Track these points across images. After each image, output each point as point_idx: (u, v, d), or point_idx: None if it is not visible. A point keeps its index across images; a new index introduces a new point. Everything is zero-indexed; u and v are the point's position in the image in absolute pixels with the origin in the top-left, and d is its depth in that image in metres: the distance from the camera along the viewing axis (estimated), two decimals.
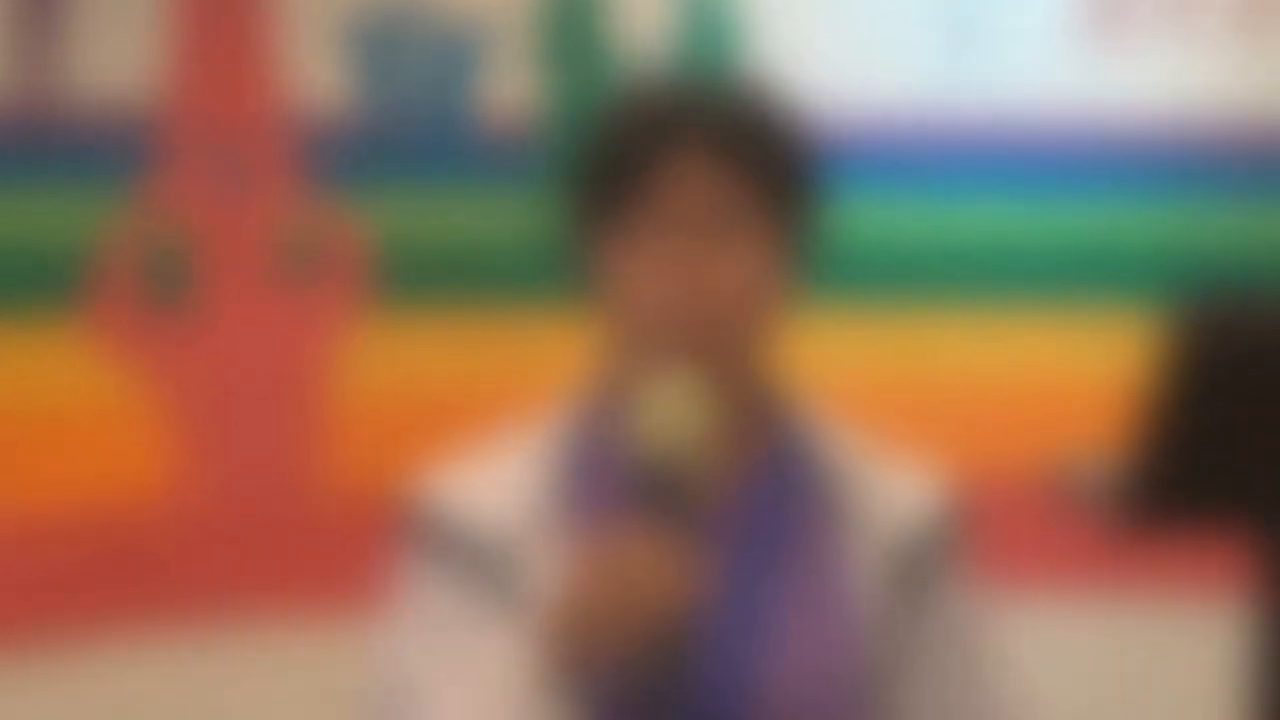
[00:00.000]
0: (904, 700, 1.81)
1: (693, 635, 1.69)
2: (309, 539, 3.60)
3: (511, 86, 3.71)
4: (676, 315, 1.78)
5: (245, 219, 3.61)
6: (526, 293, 3.62)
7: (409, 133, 3.67)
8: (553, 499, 1.82)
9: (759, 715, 1.77)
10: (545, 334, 3.49)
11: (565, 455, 1.85)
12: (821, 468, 1.84)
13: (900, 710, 1.81)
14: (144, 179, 3.55)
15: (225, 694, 3.53)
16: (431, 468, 1.88)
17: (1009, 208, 3.89)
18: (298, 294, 3.64)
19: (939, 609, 1.82)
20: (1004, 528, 3.55)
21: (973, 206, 3.88)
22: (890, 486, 1.84)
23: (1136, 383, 2.60)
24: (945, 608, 1.83)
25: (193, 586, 3.55)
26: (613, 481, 1.79)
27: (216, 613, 3.56)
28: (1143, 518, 2.59)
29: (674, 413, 1.72)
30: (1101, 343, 3.82)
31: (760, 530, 1.82)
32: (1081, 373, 3.81)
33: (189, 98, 3.57)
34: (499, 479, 1.84)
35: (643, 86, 1.90)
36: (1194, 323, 2.59)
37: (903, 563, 1.82)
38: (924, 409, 3.62)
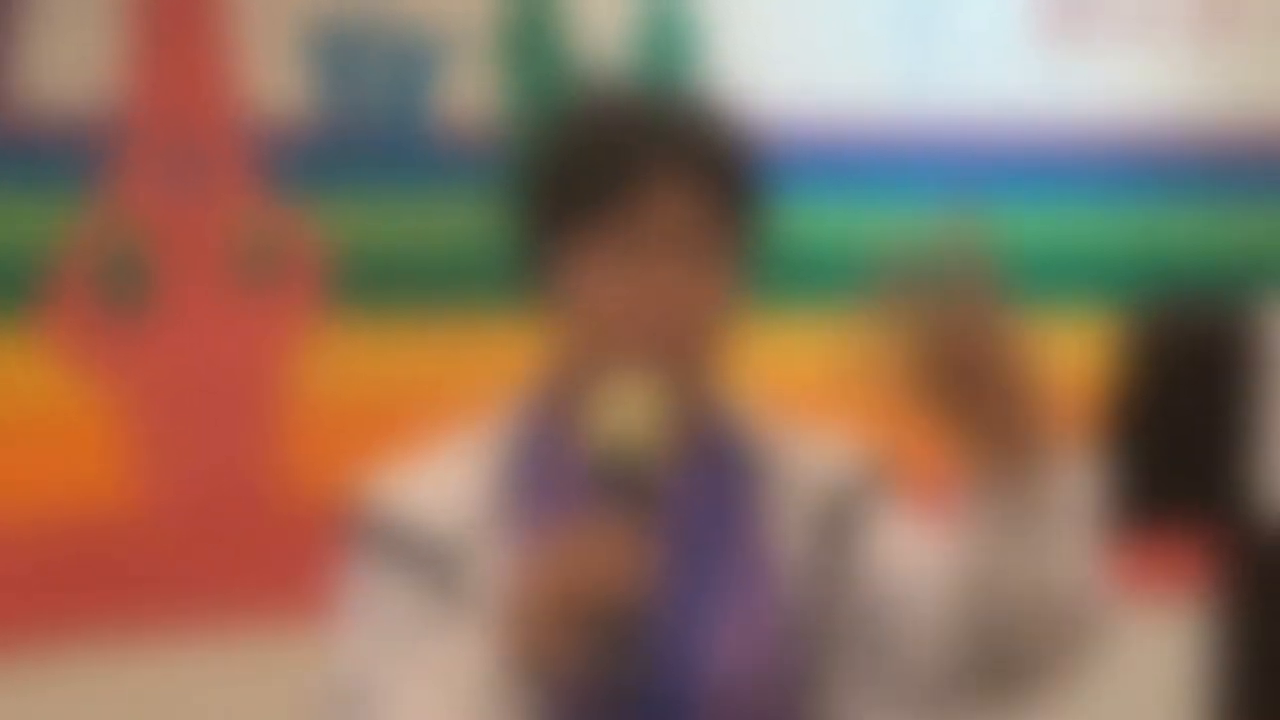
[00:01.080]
0: (834, 654, 1.84)
1: (646, 625, 1.71)
2: (266, 543, 3.59)
3: (470, 92, 3.71)
4: (640, 326, 1.80)
5: (203, 223, 3.60)
6: (483, 298, 3.62)
7: (367, 137, 3.67)
8: (500, 498, 1.85)
9: (704, 695, 1.79)
10: (502, 339, 3.48)
11: (513, 455, 1.87)
12: (754, 455, 1.88)
13: (831, 665, 1.84)
14: (101, 183, 3.54)
15: (184, 698, 3.52)
16: (383, 470, 1.89)
17: (964, 212, 3.89)
18: (255, 299, 3.62)
19: (863, 557, 1.85)
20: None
21: (930, 210, 3.88)
22: (811, 453, 1.88)
23: (1097, 385, 2.60)
24: (868, 556, 1.85)
25: (150, 591, 3.54)
26: (561, 480, 1.81)
27: (174, 617, 3.54)
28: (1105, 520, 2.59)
29: (632, 413, 1.75)
30: (1061, 346, 3.83)
31: (698, 521, 1.85)
32: (1042, 375, 3.81)
33: (147, 102, 3.56)
34: (447, 480, 1.86)
35: (606, 96, 1.92)
36: (1153, 326, 2.59)
37: (826, 520, 1.85)
38: (881, 412, 3.62)
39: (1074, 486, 1.78)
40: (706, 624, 1.81)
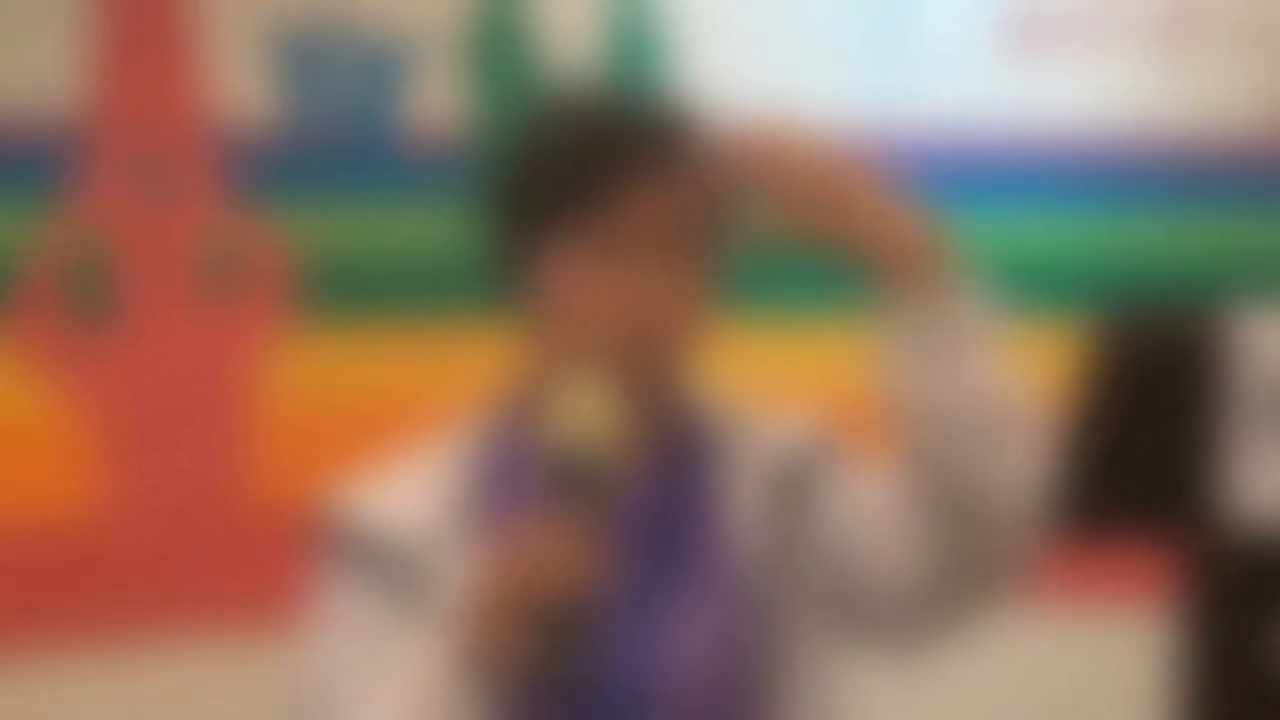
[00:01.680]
0: (800, 608, 1.86)
1: (600, 624, 1.73)
2: (234, 551, 3.58)
3: (438, 99, 3.71)
4: (615, 329, 1.81)
5: (169, 231, 3.59)
6: (452, 306, 3.62)
7: (334, 144, 3.66)
8: (468, 506, 1.85)
9: (663, 694, 1.80)
10: (470, 347, 3.48)
11: (481, 463, 1.88)
12: (709, 441, 1.90)
13: (799, 620, 1.85)
14: (66, 190, 3.53)
15: (152, 706, 3.51)
16: (350, 479, 1.89)
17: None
18: (222, 306, 3.62)
19: (823, 517, 1.87)
20: None
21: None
22: (761, 430, 1.91)
23: (1062, 394, 2.61)
24: (828, 515, 1.87)
25: (117, 599, 3.53)
26: (526, 486, 1.82)
27: (143, 627, 3.53)
28: (1066, 527, 2.61)
29: (589, 415, 1.76)
30: (1025, 354, 3.84)
31: (658, 520, 1.86)
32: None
33: (112, 109, 3.55)
34: (415, 488, 1.87)
35: (580, 100, 1.92)
36: (1113, 334, 2.61)
37: (780, 492, 1.87)
38: (846, 420, 3.63)
39: (978, 304, 1.81)
40: (665, 624, 1.82)
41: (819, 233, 1.82)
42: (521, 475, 1.85)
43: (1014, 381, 1.82)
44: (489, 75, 3.72)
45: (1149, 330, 2.63)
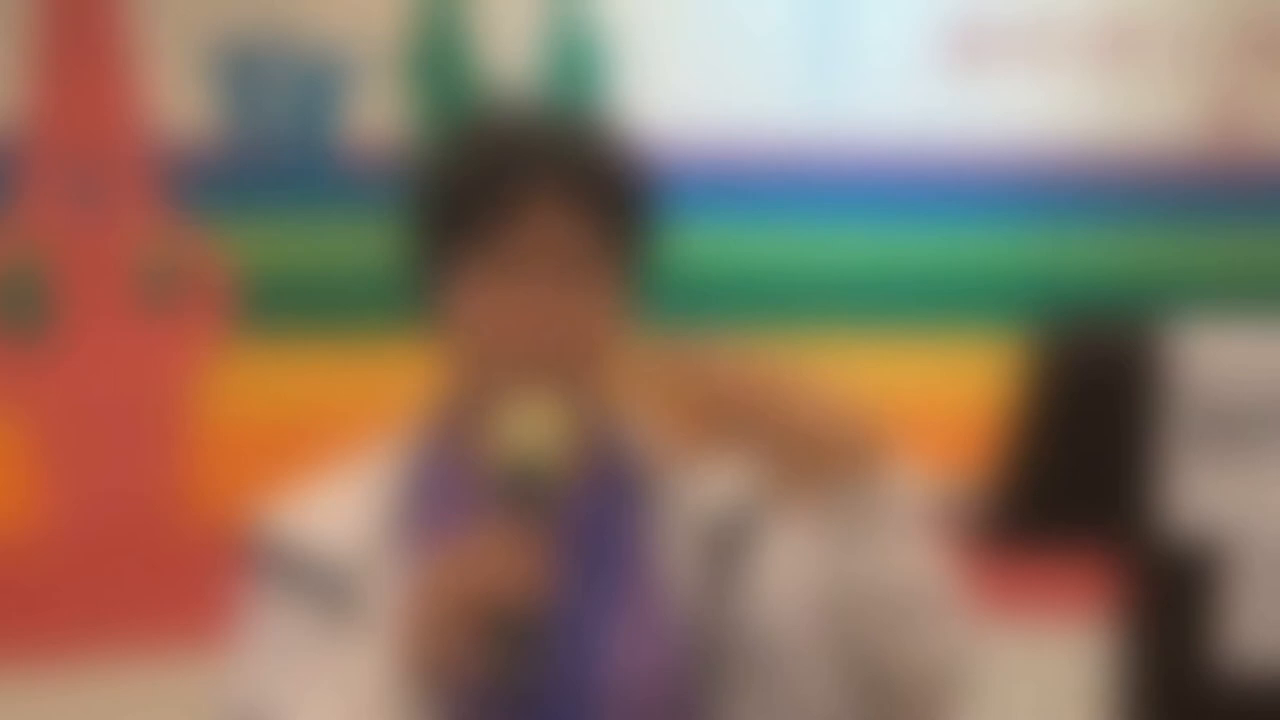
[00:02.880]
0: (726, 674, 1.85)
1: (542, 635, 1.74)
2: (171, 567, 3.57)
3: (377, 114, 3.70)
4: (519, 345, 1.81)
5: (105, 246, 3.57)
6: (389, 321, 3.61)
7: (273, 159, 3.66)
8: (397, 519, 1.86)
9: (596, 703, 1.81)
10: (407, 362, 3.47)
11: (410, 476, 1.88)
12: (641, 472, 1.90)
13: (723, 684, 1.85)
14: (2, 204, 3.51)
15: None
16: (282, 494, 1.89)
17: (869, 235, 3.92)
18: (159, 322, 3.61)
19: (749, 583, 1.86)
20: None
21: (831, 233, 3.91)
22: (698, 480, 1.90)
23: (996, 406, 2.62)
24: (755, 582, 1.86)
25: (55, 617, 3.51)
26: (457, 501, 1.82)
27: (79, 643, 3.52)
28: (1004, 539, 2.62)
29: (534, 426, 1.77)
30: (961, 368, 3.85)
31: (592, 534, 1.86)
32: (940, 397, 3.84)
33: (49, 122, 3.54)
34: (344, 504, 1.87)
35: (492, 118, 1.91)
36: (1051, 347, 2.62)
37: (712, 541, 1.87)
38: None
39: (907, 496, 1.80)
40: (597, 634, 1.83)
41: (755, 446, 1.78)
42: (452, 489, 1.86)
43: (934, 564, 1.80)
44: (428, 90, 3.72)
45: (1087, 344, 2.64)
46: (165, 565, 3.57)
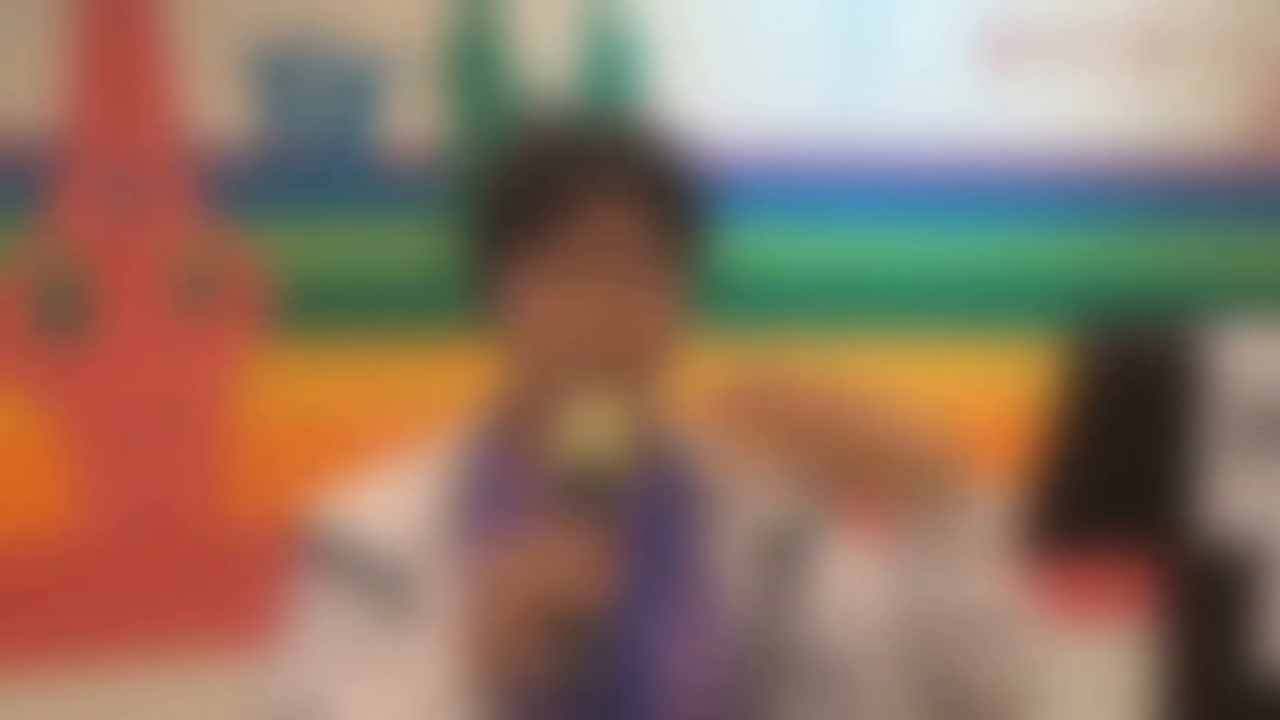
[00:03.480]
0: (783, 681, 1.86)
1: (604, 634, 1.75)
2: (209, 568, 3.57)
3: (413, 116, 3.71)
4: (586, 349, 1.82)
5: (143, 248, 3.58)
6: (426, 322, 3.62)
7: (309, 161, 3.66)
8: (453, 517, 1.86)
9: (652, 706, 1.82)
10: (443, 363, 3.48)
11: (466, 474, 1.89)
12: (700, 476, 1.91)
13: (779, 690, 1.86)
14: (42, 208, 3.52)
15: None
16: (332, 491, 1.89)
17: (904, 237, 3.92)
18: (196, 324, 3.61)
19: (806, 589, 1.88)
20: None
21: (867, 235, 3.90)
22: (754, 486, 1.91)
23: (1034, 410, 2.62)
24: (811, 587, 1.88)
25: (91, 618, 3.52)
26: (514, 499, 1.83)
27: (116, 644, 3.52)
28: (1044, 542, 2.61)
29: (598, 427, 1.78)
30: (1000, 370, 3.85)
31: (650, 539, 1.87)
32: (979, 400, 3.83)
33: (88, 125, 3.55)
34: (397, 501, 1.88)
35: (550, 120, 1.93)
36: (1090, 350, 2.61)
37: (771, 549, 1.88)
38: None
39: (985, 517, 1.81)
40: (654, 637, 1.83)
41: (826, 462, 1.79)
42: (510, 488, 1.86)
43: (1008, 584, 1.81)
44: (464, 92, 3.72)
45: (1126, 346, 2.63)
46: (201, 567, 3.58)
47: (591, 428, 1.77)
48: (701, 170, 1.89)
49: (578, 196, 1.82)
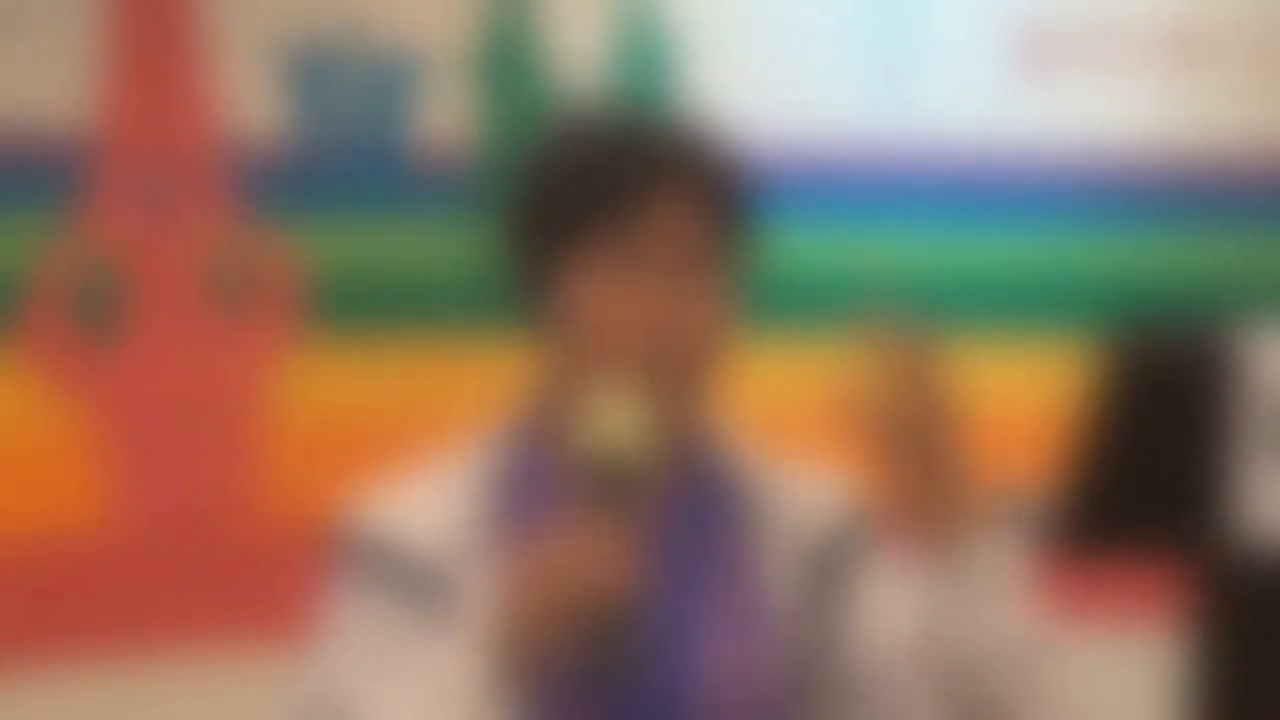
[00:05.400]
0: (822, 692, 1.85)
1: (635, 631, 1.74)
2: (243, 567, 3.58)
3: (446, 114, 3.71)
4: (639, 341, 1.82)
5: (177, 246, 3.59)
6: (459, 321, 3.62)
7: (343, 159, 3.67)
8: (489, 516, 1.86)
9: (688, 708, 1.81)
10: (477, 362, 3.48)
11: (503, 473, 1.89)
12: (742, 479, 1.90)
13: (818, 701, 1.85)
14: (76, 206, 3.53)
15: None
16: (364, 492, 1.89)
17: (936, 238, 3.91)
18: (230, 322, 3.62)
19: (849, 602, 1.87)
20: None
21: (899, 236, 3.90)
22: (801, 492, 1.91)
23: (1068, 412, 2.61)
24: (854, 601, 1.87)
25: (127, 616, 3.53)
26: (551, 497, 1.83)
27: (153, 641, 3.53)
28: (1073, 545, 2.61)
29: (620, 419, 1.78)
30: (1029, 371, 3.84)
31: (687, 537, 1.87)
32: (1008, 401, 3.82)
33: (122, 124, 3.56)
34: (433, 500, 1.87)
35: (600, 115, 1.94)
36: (1123, 351, 2.61)
37: (814, 559, 1.87)
38: (849, 438, 3.63)
39: (1013, 547, 1.81)
40: (692, 637, 1.82)
41: (881, 460, 1.78)
42: (546, 485, 1.86)
43: (1039, 620, 1.81)
44: (498, 90, 3.72)
45: (1158, 348, 2.63)
46: (232, 565, 3.59)
47: (617, 422, 1.77)
48: (748, 169, 1.90)
49: (638, 191, 1.82)
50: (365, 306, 3.66)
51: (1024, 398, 3.79)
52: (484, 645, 1.76)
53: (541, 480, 1.86)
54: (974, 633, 1.77)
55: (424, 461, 1.92)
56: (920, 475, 1.78)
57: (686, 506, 1.87)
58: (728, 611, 1.84)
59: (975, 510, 1.77)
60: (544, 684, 1.75)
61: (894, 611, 1.83)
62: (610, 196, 1.83)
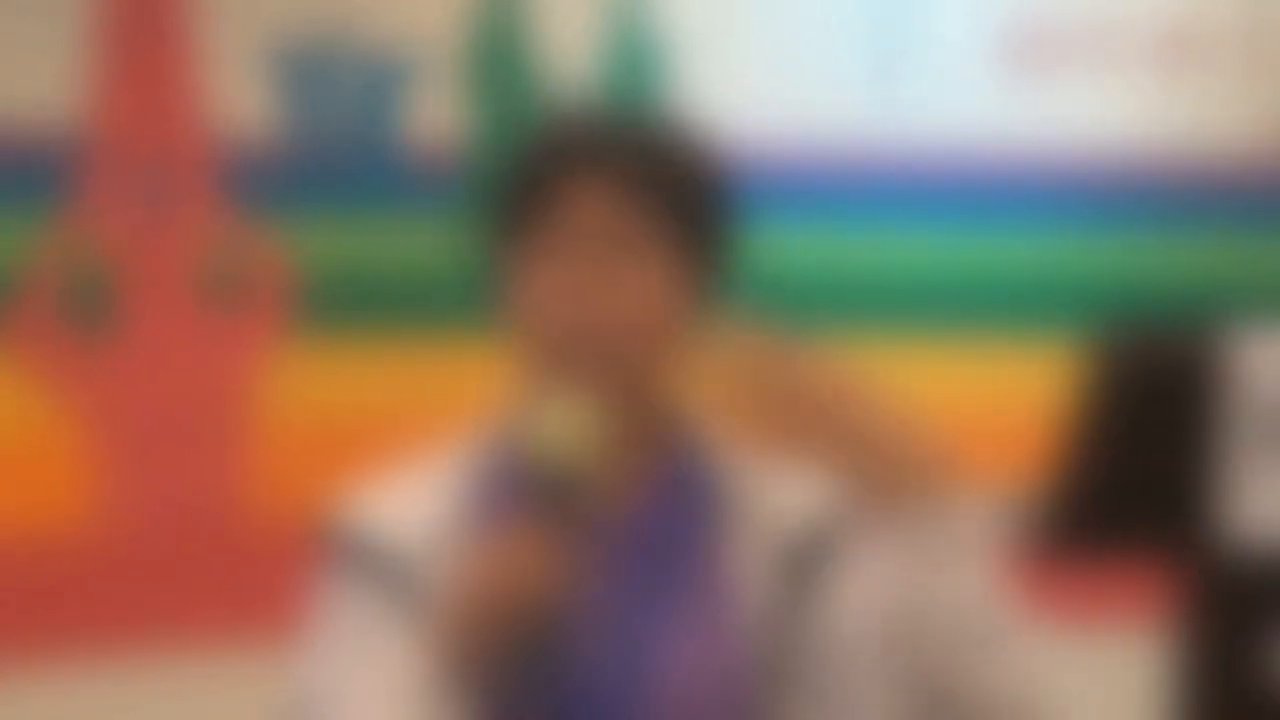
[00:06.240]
0: (790, 691, 1.84)
1: (565, 634, 1.75)
2: (233, 565, 3.58)
3: (438, 113, 3.71)
4: (575, 339, 1.81)
5: (168, 244, 3.59)
6: (450, 319, 3.62)
7: (334, 158, 3.67)
8: (467, 516, 1.86)
9: (654, 706, 1.80)
10: (469, 360, 3.48)
11: (476, 474, 1.89)
12: (714, 478, 1.89)
13: (786, 701, 1.84)
14: (67, 203, 3.53)
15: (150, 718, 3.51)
16: (352, 490, 1.90)
17: (929, 239, 3.91)
18: (221, 319, 3.62)
19: (825, 603, 1.85)
20: None
21: (892, 237, 3.90)
22: (777, 490, 1.88)
23: (1056, 412, 2.61)
24: (831, 601, 1.85)
25: (118, 614, 3.53)
26: (516, 496, 1.82)
27: (142, 638, 3.53)
28: (1063, 546, 2.61)
29: (565, 427, 1.77)
30: (1021, 373, 3.84)
31: (656, 539, 1.86)
32: (1000, 402, 3.82)
33: (112, 121, 3.56)
34: (418, 498, 1.88)
35: (557, 115, 1.93)
36: (1114, 353, 2.61)
37: (789, 557, 1.86)
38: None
39: (977, 521, 1.79)
40: (654, 642, 1.82)
41: (806, 444, 1.78)
42: (512, 489, 1.86)
43: (1002, 588, 1.78)
44: (489, 90, 3.73)
45: (1148, 349, 2.63)
46: (223, 562, 3.59)
47: (556, 425, 1.77)
48: (716, 164, 1.88)
49: (569, 188, 1.81)
50: (357, 305, 3.67)
51: (1015, 398, 3.79)
52: (430, 643, 1.77)
53: (508, 479, 1.86)
54: (937, 606, 1.75)
55: (414, 460, 1.92)
56: (842, 462, 1.76)
57: (655, 505, 1.86)
58: (698, 610, 1.83)
59: (928, 492, 1.75)
60: (482, 683, 1.76)
61: (863, 599, 1.82)
62: (531, 191, 1.83)
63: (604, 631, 1.79)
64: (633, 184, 1.82)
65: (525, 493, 1.78)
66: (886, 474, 1.76)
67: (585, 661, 1.79)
